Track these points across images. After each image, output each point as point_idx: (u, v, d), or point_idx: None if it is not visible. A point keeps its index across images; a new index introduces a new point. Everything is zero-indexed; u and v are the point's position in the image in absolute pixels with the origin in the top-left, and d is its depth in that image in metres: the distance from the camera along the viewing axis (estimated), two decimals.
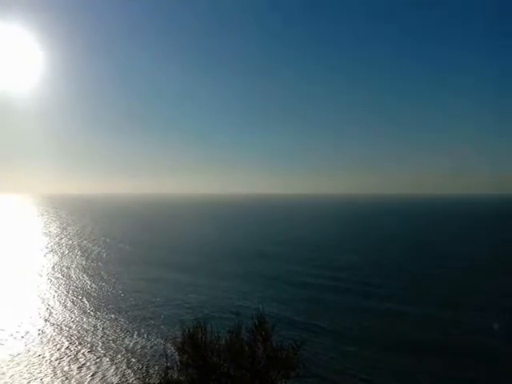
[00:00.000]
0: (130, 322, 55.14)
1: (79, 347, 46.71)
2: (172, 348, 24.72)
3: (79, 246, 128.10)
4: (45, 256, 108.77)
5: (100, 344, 47.69)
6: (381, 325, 53.26)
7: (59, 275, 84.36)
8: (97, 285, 76.34)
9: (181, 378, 22.04)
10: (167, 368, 22.71)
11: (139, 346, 46.94)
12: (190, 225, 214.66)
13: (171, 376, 22.17)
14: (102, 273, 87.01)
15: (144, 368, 38.93)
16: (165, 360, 23.90)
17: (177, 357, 23.10)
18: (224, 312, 56.47)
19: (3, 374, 40.22)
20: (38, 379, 39.12)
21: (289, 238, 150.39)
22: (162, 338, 48.63)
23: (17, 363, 42.45)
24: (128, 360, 43.17)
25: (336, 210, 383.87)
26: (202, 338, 23.20)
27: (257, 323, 24.15)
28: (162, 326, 53.25)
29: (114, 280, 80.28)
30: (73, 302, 64.75)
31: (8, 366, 41.96)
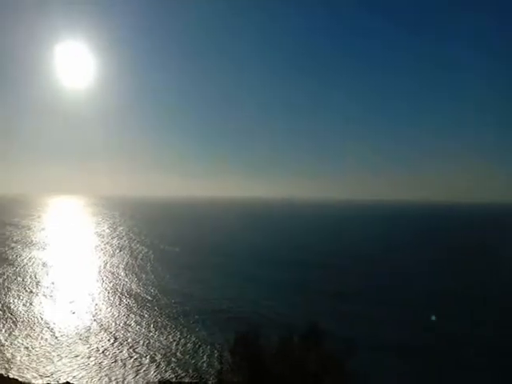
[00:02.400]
0: (174, 322, 56.61)
1: (125, 343, 48.60)
2: (224, 349, 24.68)
3: (129, 246, 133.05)
4: (96, 255, 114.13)
5: (146, 341, 49.61)
6: (419, 337, 50.78)
7: (108, 274, 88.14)
8: (143, 284, 78.87)
9: (234, 379, 21.85)
10: (221, 368, 22.69)
11: (183, 345, 48.00)
12: (238, 229, 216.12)
13: (225, 377, 22.06)
14: (149, 273, 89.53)
15: (195, 367, 39.47)
16: (218, 361, 23.96)
17: (229, 358, 23.00)
18: (272, 319, 55.59)
19: (52, 363, 42.10)
20: (85, 370, 40.53)
21: (340, 247, 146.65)
22: (205, 338, 48.98)
23: (67, 353, 44.35)
24: (173, 359, 43.66)
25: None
26: (254, 341, 23.04)
27: (308, 330, 23.63)
28: (206, 328, 54.01)
29: (159, 280, 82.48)
30: (120, 300, 67.37)
31: (56, 356, 43.93)
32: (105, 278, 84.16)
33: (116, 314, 60.05)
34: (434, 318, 56.68)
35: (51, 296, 68.84)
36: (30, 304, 63.60)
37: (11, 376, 38.09)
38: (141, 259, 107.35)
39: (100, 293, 71.85)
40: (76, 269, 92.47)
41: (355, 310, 61.80)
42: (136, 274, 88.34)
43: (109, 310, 62.00)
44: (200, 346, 47.28)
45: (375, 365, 41.18)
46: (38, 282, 78.66)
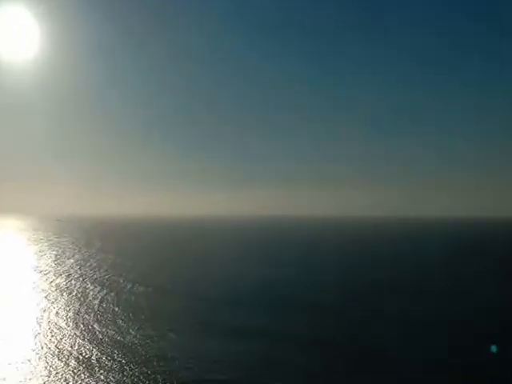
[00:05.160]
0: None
1: None
2: None
3: (81, 286, 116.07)
4: (33, 300, 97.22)
5: None
6: None
7: (49, 328, 72.93)
8: (96, 342, 64.95)
9: None
10: None
11: None
12: (219, 250, 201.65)
13: None
14: (106, 325, 75.21)
15: None
16: None
17: None
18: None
19: None
20: None
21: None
22: None
23: None
24: None
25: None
26: None
27: None
28: None
29: (119, 336, 68.65)
30: (65, 363, 52.98)
31: None
32: (44, 333, 68.41)
33: None
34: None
35: None
36: None
37: None
38: (97, 307, 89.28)
39: (36, 355, 56.97)
40: (3, 319, 76.12)
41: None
42: (88, 327, 72.84)
43: (49, 378, 47.91)
44: None
45: None
46: None
